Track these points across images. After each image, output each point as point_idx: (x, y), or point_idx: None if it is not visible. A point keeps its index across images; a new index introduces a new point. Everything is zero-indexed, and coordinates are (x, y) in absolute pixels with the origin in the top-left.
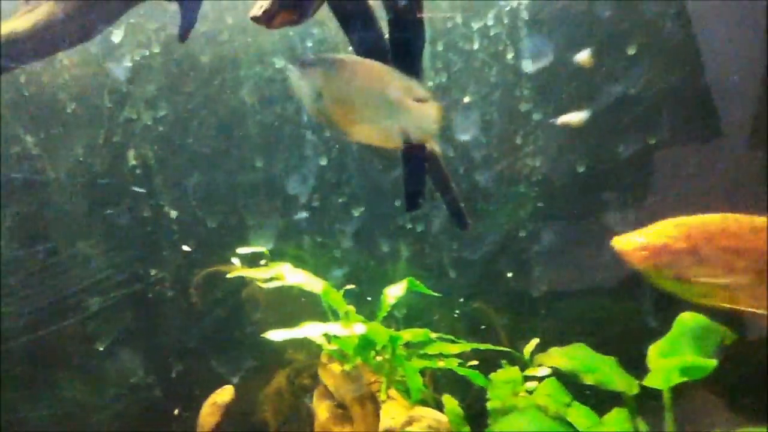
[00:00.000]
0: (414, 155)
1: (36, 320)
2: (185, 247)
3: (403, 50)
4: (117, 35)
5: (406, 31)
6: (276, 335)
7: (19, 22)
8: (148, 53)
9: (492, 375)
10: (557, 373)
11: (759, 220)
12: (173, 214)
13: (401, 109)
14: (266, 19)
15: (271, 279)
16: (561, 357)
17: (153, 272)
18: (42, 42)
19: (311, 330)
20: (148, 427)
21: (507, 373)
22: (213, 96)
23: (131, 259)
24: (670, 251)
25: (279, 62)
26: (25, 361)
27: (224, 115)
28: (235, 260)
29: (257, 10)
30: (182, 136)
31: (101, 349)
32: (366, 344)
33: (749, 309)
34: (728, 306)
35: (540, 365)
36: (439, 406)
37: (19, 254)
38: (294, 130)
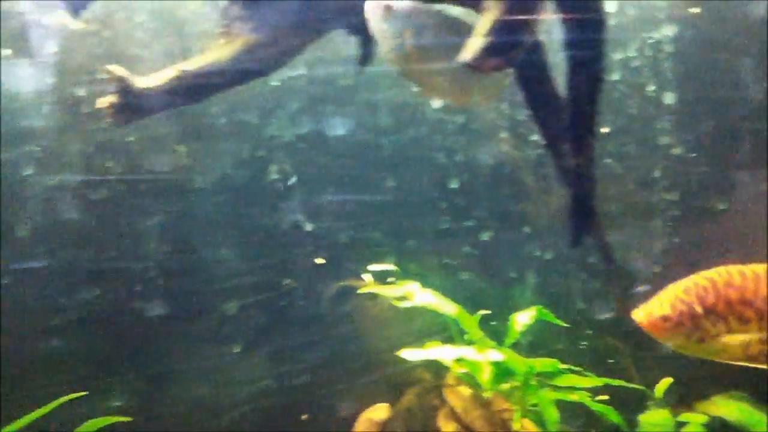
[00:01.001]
0: (582, 175)
1: (175, 318)
2: (318, 260)
3: (582, 89)
4: None
5: (585, 69)
6: (410, 354)
7: (221, 52)
8: (294, 74)
9: (641, 417)
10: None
11: (757, 267)
12: (308, 227)
13: None
14: (476, 64)
15: (401, 297)
16: (726, 407)
17: (286, 281)
18: (242, 69)
19: (445, 353)
20: (275, 429)
21: (658, 415)
22: (350, 117)
23: (266, 268)
24: (692, 316)
25: (415, 87)
26: (162, 358)
27: (360, 135)
28: (366, 276)
29: (467, 54)
30: (320, 154)
31: (236, 351)
32: (502, 372)
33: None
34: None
35: (702, 412)
36: None
37: (165, 255)
38: (426, 153)
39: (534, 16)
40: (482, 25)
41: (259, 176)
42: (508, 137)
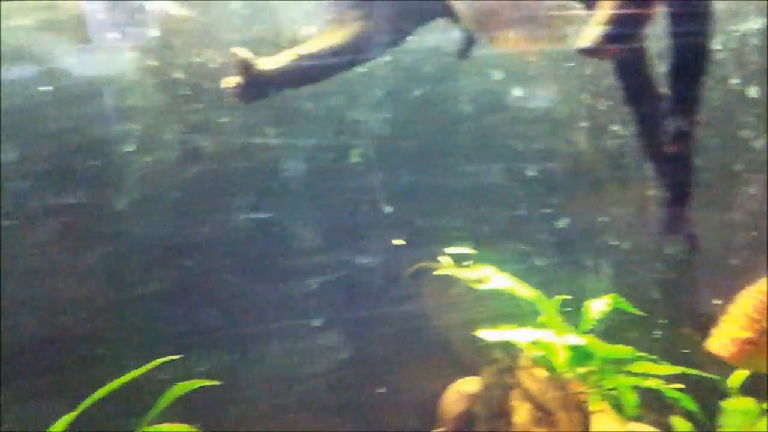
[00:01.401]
0: (681, 165)
1: (260, 290)
2: (396, 241)
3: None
4: None
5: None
6: (489, 335)
7: (334, 37)
8: (379, 61)
9: (725, 403)
10: None
11: None
12: (387, 209)
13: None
14: (595, 52)
15: (477, 280)
16: None
17: (365, 261)
18: (353, 53)
19: (524, 335)
20: (353, 400)
21: (742, 402)
22: (432, 103)
23: (347, 247)
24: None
25: (496, 75)
26: (247, 327)
27: (441, 121)
28: (443, 258)
29: (585, 42)
30: (401, 139)
31: (316, 325)
32: (579, 356)
33: None
34: None
35: None
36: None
37: (252, 231)
38: (505, 141)
39: (649, 7)
40: (600, 13)
41: (341, 159)
42: (587, 126)
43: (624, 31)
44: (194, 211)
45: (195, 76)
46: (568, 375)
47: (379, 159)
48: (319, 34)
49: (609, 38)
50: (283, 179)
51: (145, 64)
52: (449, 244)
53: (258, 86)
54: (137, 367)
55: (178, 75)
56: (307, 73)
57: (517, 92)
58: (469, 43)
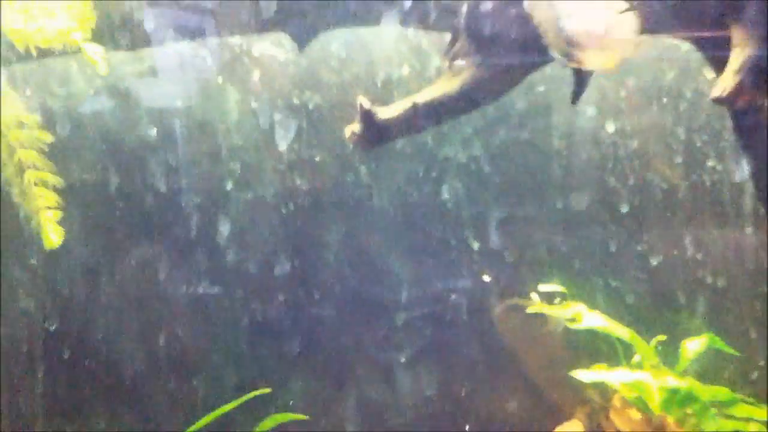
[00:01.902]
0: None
1: (349, 325)
2: (485, 277)
3: None
4: None
5: None
6: (584, 375)
7: (449, 85)
8: None
9: None
10: None
11: None
12: (475, 245)
13: None
14: (731, 100)
15: (570, 319)
16: None
17: (453, 296)
18: (468, 100)
19: (621, 376)
20: None
21: None
22: (523, 139)
23: (435, 282)
24: None
25: (588, 110)
26: (335, 361)
27: (533, 158)
28: (534, 296)
29: (720, 91)
30: (492, 175)
31: (403, 360)
32: (680, 398)
33: None
34: None
35: None
36: None
37: (344, 265)
38: (598, 176)
39: None
40: (734, 61)
41: (432, 195)
42: (683, 162)
43: (757, 81)
44: (288, 246)
45: (294, 116)
46: (665, 418)
47: (469, 195)
48: (433, 84)
49: (743, 87)
50: (375, 215)
51: (248, 106)
52: (539, 281)
53: (377, 133)
54: (230, 398)
55: (278, 116)
56: (422, 121)
57: (610, 128)
58: (582, 85)
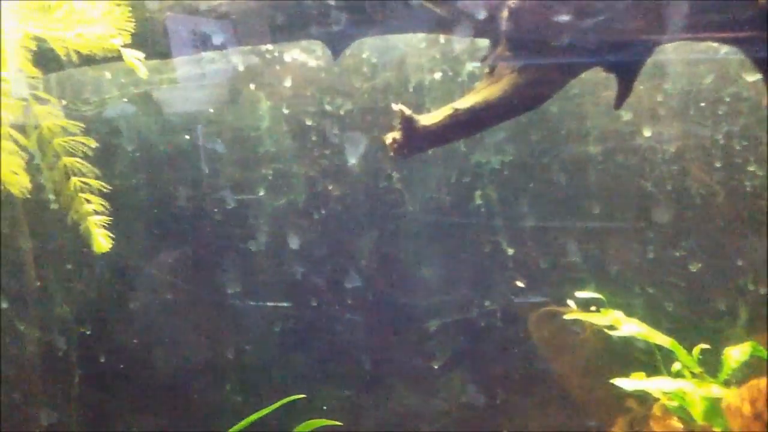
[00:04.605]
0: None
1: (381, 331)
2: (518, 283)
3: None
4: None
5: None
6: (625, 383)
7: (490, 91)
8: None
9: None
10: None
11: None
12: (510, 251)
13: None
14: None
15: (608, 326)
16: None
17: (486, 303)
18: (507, 107)
19: (663, 384)
20: None
21: None
22: (558, 144)
23: (468, 289)
24: None
25: (624, 115)
26: (368, 367)
27: (567, 163)
28: (571, 302)
29: None
30: (525, 180)
31: (436, 367)
32: (719, 407)
33: None
34: None
35: None
36: None
37: (376, 271)
38: (635, 182)
39: None
40: None
41: (464, 201)
42: (722, 167)
43: None
44: (320, 253)
45: (325, 123)
46: (709, 428)
47: (502, 201)
48: (475, 89)
49: None
50: (407, 221)
51: (279, 112)
52: (574, 288)
53: (418, 141)
54: (264, 403)
55: (309, 122)
56: (463, 128)
57: (646, 132)
58: (627, 89)
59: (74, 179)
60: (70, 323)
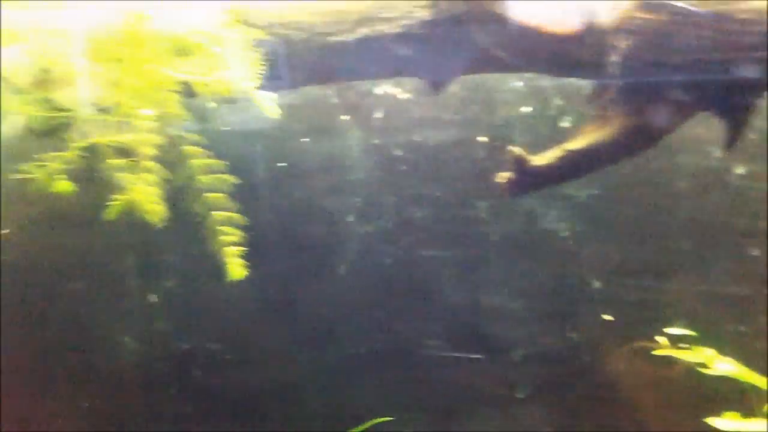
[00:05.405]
0: None
1: (465, 360)
2: (606, 317)
3: None
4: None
5: None
6: (721, 423)
7: (600, 133)
8: None
9: None
10: None
11: None
12: (596, 284)
13: None
14: None
15: (700, 364)
16: None
17: (573, 335)
18: (618, 150)
19: (761, 426)
20: None
21: None
22: (645, 179)
23: (553, 320)
24: None
25: (715, 151)
26: (451, 395)
27: (655, 198)
28: (661, 338)
29: None
30: (612, 213)
31: (520, 396)
32: None
33: None
34: None
35: None
36: None
37: (458, 303)
38: (727, 219)
39: None
40: None
41: (549, 233)
42: None
43: None
44: (405, 280)
45: (413, 154)
46: None
47: (589, 234)
48: (584, 131)
49: None
50: (493, 252)
51: (369, 142)
52: (662, 324)
53: (529, 180)
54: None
55: (398, 152)
56: (574, 169)
57: (739, 170)
58: (738, 132)
59: (215, 213)
60: (170, 337)
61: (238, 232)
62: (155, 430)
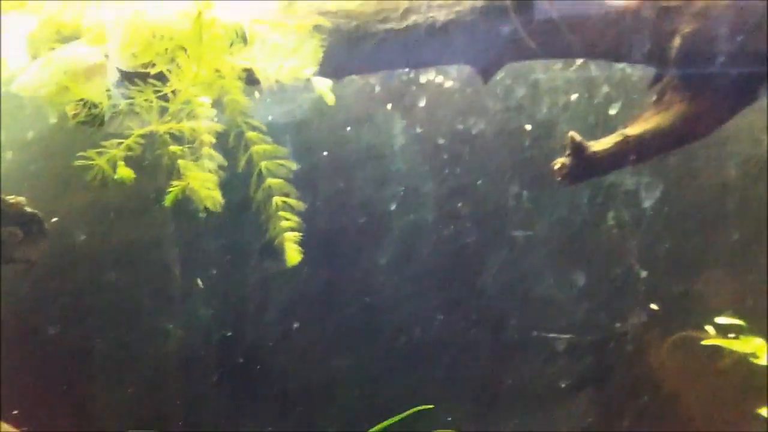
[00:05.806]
0: None
1: (510, 350)
2: (653, 306)
3: None
4: None
5: None
6: None
7: (660, 119)
8: None
9: None
10: None
11: None
12: (642, 274)
13: None
14: None
15: (751, 354)
16: None
17: (617, 325)
18: (677, 136)
19: None
20: None
21: None
22: (695, 168)
23: (598, 310)
24: None
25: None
26: (494, 385)
27: (704, 187)
28: (709, 328)
29: None
30: (660, 204)
31: (563, 387)
32: None
33: None
34: None
35: None
36: None
37: (507, 290)
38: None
39: None
40: None
41: (595, 222)
42: None
43: None
44: (446, 269)
45: (456, 143)
46: None
47: (636, 223)
48: (643, 117)
49: None
50: (536, 240)
51: (413, 131)
52: (710, 314)
53: (586, 167)
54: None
55: (441, 141)
56: (632, 155)
57: None
58: None
59: (276, 198)
60: (213, 324)
61: (296, 218)
62: (199, 418)
